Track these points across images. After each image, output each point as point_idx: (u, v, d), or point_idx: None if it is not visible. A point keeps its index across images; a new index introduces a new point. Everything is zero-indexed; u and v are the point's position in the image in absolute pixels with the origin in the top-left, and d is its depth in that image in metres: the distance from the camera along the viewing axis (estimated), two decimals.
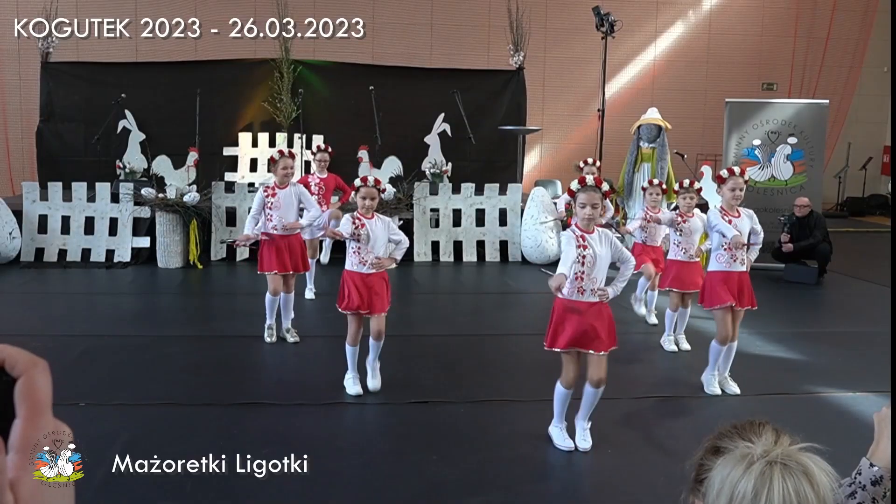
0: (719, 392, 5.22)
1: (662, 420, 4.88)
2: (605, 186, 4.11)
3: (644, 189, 6.80)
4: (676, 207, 6.60)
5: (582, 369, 4.23)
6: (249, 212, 6.46)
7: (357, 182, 5.01)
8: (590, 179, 4.08)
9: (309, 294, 7.75)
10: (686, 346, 6.20)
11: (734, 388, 5.23)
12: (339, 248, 8.08)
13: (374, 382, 5.10)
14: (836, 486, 1.30)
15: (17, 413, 0.68)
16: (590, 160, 7.52)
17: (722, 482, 1.28)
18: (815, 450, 1.30)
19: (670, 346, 6.20)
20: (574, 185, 4.14)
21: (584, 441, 4.30)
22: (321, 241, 8.12)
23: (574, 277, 4.08)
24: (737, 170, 5.19)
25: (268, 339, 6.20)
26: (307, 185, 7.61)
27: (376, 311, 4.96)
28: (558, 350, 4.18)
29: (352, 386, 5.05)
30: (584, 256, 4.07)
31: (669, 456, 4.17)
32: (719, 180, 5.20)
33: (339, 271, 5.18)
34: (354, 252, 4.95)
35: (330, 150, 7.84)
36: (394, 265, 5.09)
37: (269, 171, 6.85)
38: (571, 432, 4.34)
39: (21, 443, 0.68)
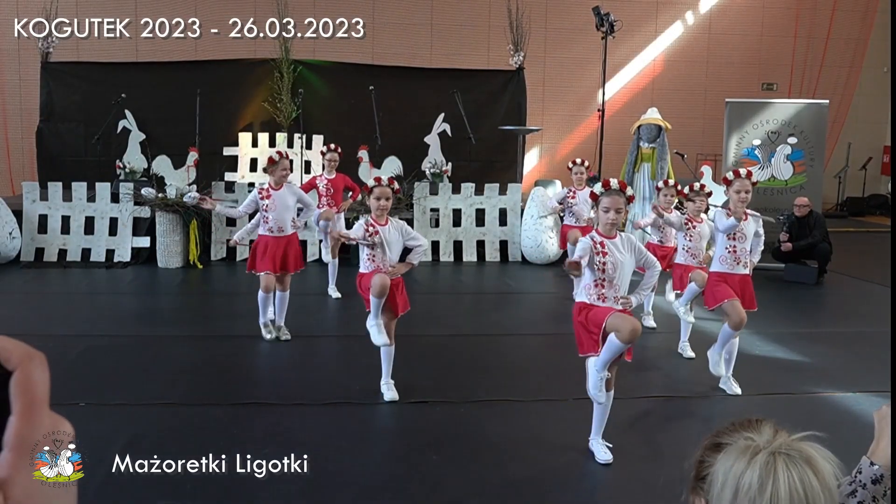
0: (724, 372, 5.19)
1: (663, 421, 4.88)
2: (630, 191, 3.99)
3: (658, 189, 6.73)
4: (677, 208, 6.58)
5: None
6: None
7: (371, 183, 4.81)
8: (614, 183, 3.96)
9: (333, 293, 7.72)
10: (690, 353, 6.05)
11: (735, 389, 5.21)
12: (343, 248, 8.04)
13: (390, 394, 4.95)
14: (838, 472, 1.30)
15: (12, 409, 0.65)
16: (578, 160, 7.79)
17: (725, 474, 1.28)
18: (815, 438, 1.31)
19: (689, 353, 6.05)
20: (598, 188, 4.01)
21: (605, 454, 4.16)
22: (320, 241, 8.04)
23: (594, 284, 3.99)
24: (743, 172, 5.12)
25: (266, 336, 6.20)
26: (315, 186, 7.62)
27: (399, 310, 4.84)
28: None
29: (377, 335, 4.81)
30: (604, 263, 3.94)
31: (669, 456, 4.17)
32: (725, 182, 5.16)
33: (348, 271, 5.11)
34: (369, 259, 4.79)
35: (339, 150, 7.83)
36: (409, 269, 4.94)
37: (265, 171, 6.83)
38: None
39: (15, 441, 0.64)
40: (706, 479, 1.34)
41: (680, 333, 6.18)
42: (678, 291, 6.23)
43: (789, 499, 1.23)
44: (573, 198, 7.73)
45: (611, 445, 4.19)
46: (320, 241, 8.19)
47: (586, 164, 7.85)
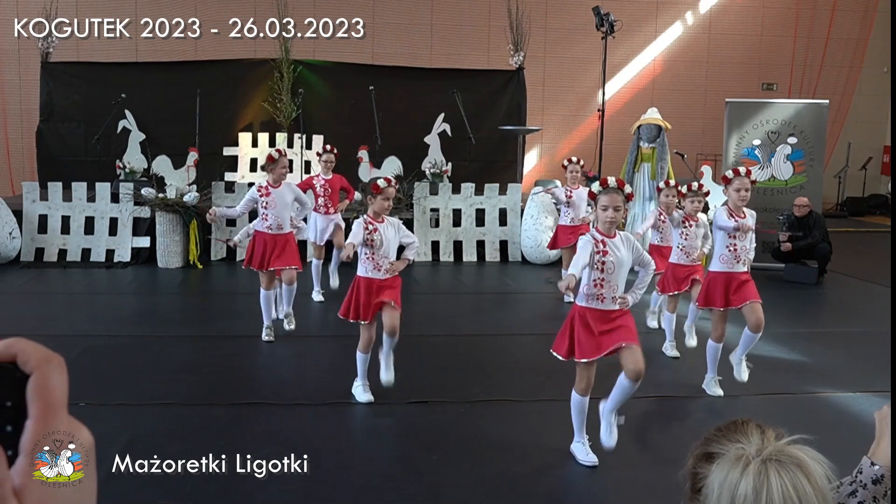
0: (721, 393, 5.20)
1: (660, 422, 4.88)
2: (628, 189, 3.97)
3: (660, 190, 6.73)
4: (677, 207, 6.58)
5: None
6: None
7: (381, 183, 4.78)
8: (611, 181, 3.94)
9: (316, 296, 7.71)
10: (674, 353, 6.09)
11: (744, 375, 5.16)
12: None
13: (387, 375, 4.92)
14: (830, 473, 1.31)
15: (28, 413, 0.64)
16: (574, 159, 7.81)
17: (721, 487, 1.29)
18: (804, 441, 1.31)
19: (673, 352, 6.12)
20: (595, 186, 3.99)
21: (610, 437, 4.09)
22: (327, 250, 8.00)
23: (593, 284, 3.96)
24: (742, 170, 5.13)
25: (266, 338, 6.20)
26: (312, 187, 7.62)
27: (387, 297, 4.77)
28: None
29: (362, 394, 4.92)
30: (603, 263, 3.92)
31: (667, 457, 4.16)
32: (724, 181, 5.16)
33: (346, 272, 5.11)
34: (368, 258, 4.78)
35: (336, 151, 7.83)
36: (406, 265, 4.95)
37: (263, 169, 6.83)
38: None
39: (31, 446, 0.63)
40: (702, 491, 1.34)
41: (686, 333, 6.22)
42: (664, 294, 6.28)
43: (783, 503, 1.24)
44: (570, 196, 7.73)
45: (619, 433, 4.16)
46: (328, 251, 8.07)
47: (581, 162, 7.88)
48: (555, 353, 4.10)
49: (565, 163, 7.86)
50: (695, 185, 6.02)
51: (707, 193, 6.15)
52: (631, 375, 3.92)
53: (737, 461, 1.29)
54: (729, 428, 1.37)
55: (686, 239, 5.96)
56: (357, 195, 7.86)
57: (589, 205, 7.66)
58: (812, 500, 1.25)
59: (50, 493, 0.64)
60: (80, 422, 0.68)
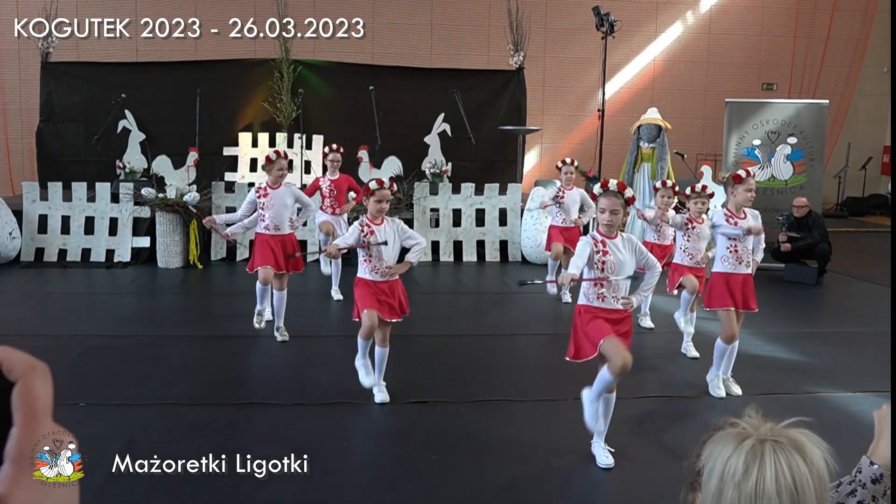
0: (724, 394, 5.19)
1: (664, 421, 4.88)
2: (629, 192, 3.98)
3: (656, 189, 6.74)
4: (678, 209, 6.58)
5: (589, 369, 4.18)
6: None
7: (372, 185, 4.76)
8: (612, 184, 3.95)
9: (336, 295, 7.69)
10: (694, 353, 6.04)
11: (736, 389, 5.21)
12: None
13: (381, 396, 4.88)
14: (829, 457, 1.29)
15: (13, 421, 0.64)
16: (568, 160, 7.85)
17: (714, 461, 1.28)
18: (804, 424, 1.30)
19: (693, 353, 6.05)
20: (596, 189, 4.01)
21: (606, 458, 4.09)
22: (320, 251, 8.06)
23: (594, 283, 3.99)
24: (753, 171, 5.20)
25: (256, 325, 6.19)
26: (319, 188, 7.61)
27: (386, 316, 4.75)
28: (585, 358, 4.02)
29: (365, 376, 4.84)
30: (604, 262, 3.96)
31: (670, 456, 4.17)
32: (737, 180, 5.15)
33: (349, 272, 5.08)
34: (365, 260, 4.76)
35: (342, 150, 7.80)
36: (407, 269, 4.88)
37: (263, 169, 6.84)
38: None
39: (16, 453, 0.63)
40: (702, 473, 1.34)
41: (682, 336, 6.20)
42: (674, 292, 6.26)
43: (775, 484, 1.22)
44: (563, 197, 7.72)
45: (613, 450, 4.16)
46: (320, 251, 8.11)
47: (576, 163, 7.88)
48: (570, 360, 4.09)
49: (559, 164, 7.86)
50: (699, 186, 6.01)
51: (711, 195, 6.14)
52: (616, 370, 3.88)
53: (734, 438, 1.28)
54: (741, 416, 1.37)
55: (689, 241, 5.95)
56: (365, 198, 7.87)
57: (588, 207, 7.72)
58: (806, 483, 1.23)
59: (35, 498, 0.64)
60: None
